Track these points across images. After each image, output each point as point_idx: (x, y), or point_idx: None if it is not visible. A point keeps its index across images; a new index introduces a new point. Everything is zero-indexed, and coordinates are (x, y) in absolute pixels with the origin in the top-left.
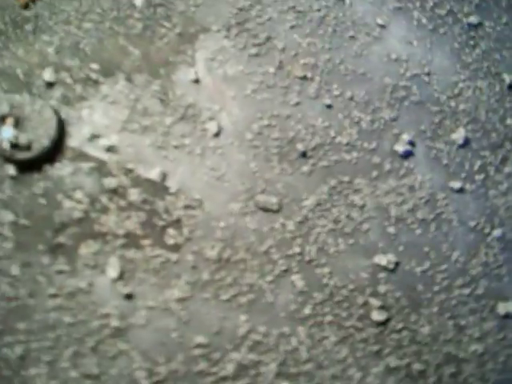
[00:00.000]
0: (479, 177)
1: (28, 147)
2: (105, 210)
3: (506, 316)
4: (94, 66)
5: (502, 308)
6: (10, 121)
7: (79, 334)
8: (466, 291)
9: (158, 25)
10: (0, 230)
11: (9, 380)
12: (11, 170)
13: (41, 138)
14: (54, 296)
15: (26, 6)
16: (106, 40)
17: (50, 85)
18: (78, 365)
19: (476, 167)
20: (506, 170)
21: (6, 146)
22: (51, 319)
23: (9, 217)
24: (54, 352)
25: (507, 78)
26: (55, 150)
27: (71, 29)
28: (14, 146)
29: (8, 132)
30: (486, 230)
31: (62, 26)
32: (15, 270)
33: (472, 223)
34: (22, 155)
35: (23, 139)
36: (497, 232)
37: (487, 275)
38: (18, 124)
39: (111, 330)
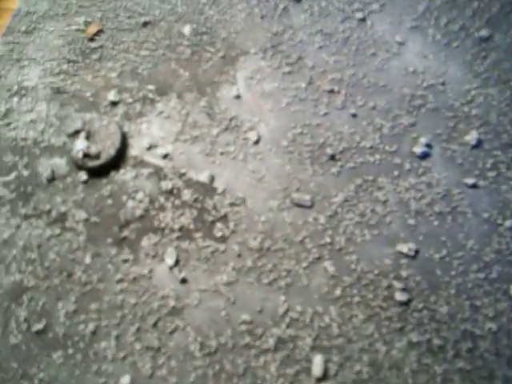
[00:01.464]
0: (491, 174)
1: (97, 156)
2: (162, 208)
3: None
4: (151, 87)
5: None
6: (82, 135)
7: (142, 313)
8: (481, 275)
9: (204, 50)
10: (75, 226)
11: (84, 351)
12: (83, 176)
13: (108, 148)
14: (121, 281)
15: (92, 39)
16: (159, 65)
17: (114, 104)
18: (141, 339)
19: (488, 165)
20: None
21: (80, 155)
22: (118, 300)
23: (82, 215)
24: (121, 328)
25: None
26: (120, 158)
27: (130, 56)
28: (86, 155)
29: (81, 144)
30: (499, 221)
31: (122, 54)
32: (88, 259)
33: (485, 215)
34: (93, 163)
35: (93, 150)
36: (508, 223)
37: (500, 261)
38: (88, 137)
39: (169, 310)
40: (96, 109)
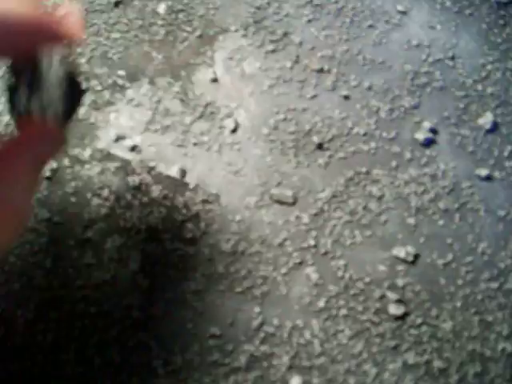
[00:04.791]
0: (510, 163)
1: None
2: (129, 206)
3: None
4: (121, 72)
5: None
6: None
7: (104, 324)
8: (494, 285)
9: (180, 29)
10: (37, 226)
11: (42, 364)
12: (47, 172)
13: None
14: (82, 287)
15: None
16: (131, 48)
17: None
18: (102, 353)
19: (506, 153)
20: None
21: None
22: (79, 309)
23: (45, 214)
24: (81, 340)
25: None
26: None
27: (101, 40)
28: None
29: None
30: None
31: (92, 37)
32: (49, 262)
33: (501, 212)
34: None
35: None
36: None
37: None
38: None
39: (132, 321)
40: None
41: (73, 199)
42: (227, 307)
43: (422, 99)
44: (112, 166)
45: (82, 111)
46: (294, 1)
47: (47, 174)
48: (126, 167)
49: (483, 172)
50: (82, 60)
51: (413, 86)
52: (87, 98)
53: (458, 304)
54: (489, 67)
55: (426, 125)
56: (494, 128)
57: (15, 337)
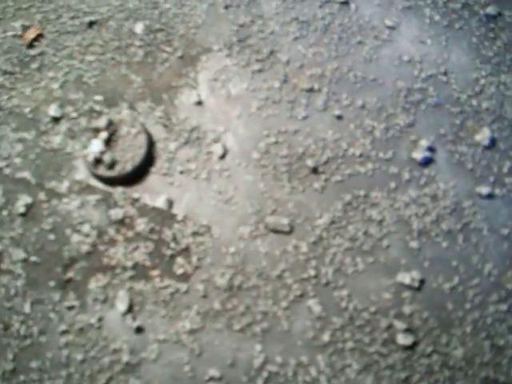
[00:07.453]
0: (510, 180)
1: (111, 166)
2: (112, 242)
3: None
4: (98, 97)
5: None
6: (102, 136)
7: (91, 371)
8: (503, 307)
9: (159, 50)
10: (12, 267)
11: None
12: (21, 208)
13: (126, 161)
14: (65, 333)
15: (31, 45)
16: (108, 71)
17: (55, 120)
18: None
19: (505, 169)
20: None
21: (91, 159)
22: (63, 356)
23: (20, 254)
24: None
25: None
26: (135, 176)
27: (75, 63)
28: (98, 161)
29: (96, 146)
30: None
31: (65, 61)
32: (27, 307)
33: (505, 231)
34: (102, 172)
35: (108, 158)
36: None
37: None
38: (109, 141)
39: (122, 366)
40: (35, 127)
41: (51, 236)
42: (226, 346)
43: (416, 117)
44: (92, 198)
45: (57, 140)
46: (279, 18)
47: (21, 209)
48: (107, 199)
49: (484, 190)
50: (55, 85)
51: (407, 103)
52: (62, 126)
53: (468, 329)
54: (482, 81)
55: (423, 143)
56: (492, 144)
57: None
